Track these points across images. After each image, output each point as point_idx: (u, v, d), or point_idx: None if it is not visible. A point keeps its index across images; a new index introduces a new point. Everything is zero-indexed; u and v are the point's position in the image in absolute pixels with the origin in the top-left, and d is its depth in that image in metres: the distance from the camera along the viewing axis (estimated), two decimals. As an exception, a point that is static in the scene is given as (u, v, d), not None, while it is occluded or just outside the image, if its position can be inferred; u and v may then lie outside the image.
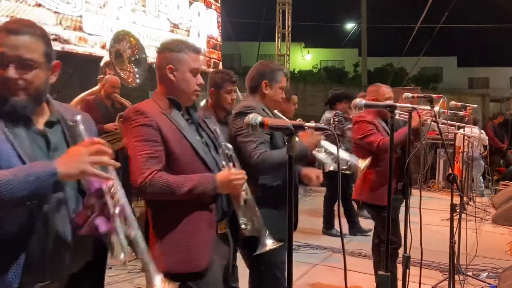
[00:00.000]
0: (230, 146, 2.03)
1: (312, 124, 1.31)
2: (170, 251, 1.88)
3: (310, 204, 7.64)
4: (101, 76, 4.66)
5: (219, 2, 9.06)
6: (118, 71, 4.55)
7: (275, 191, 2.40)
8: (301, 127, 1.32)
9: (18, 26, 1.46)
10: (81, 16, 5.89)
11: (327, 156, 2.54)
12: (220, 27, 9.09)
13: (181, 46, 2.02)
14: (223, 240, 2.07)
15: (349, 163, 2.75)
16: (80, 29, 5.88)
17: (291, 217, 1.37)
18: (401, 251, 2.75)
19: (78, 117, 1.48)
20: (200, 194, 1.86)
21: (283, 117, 2.72)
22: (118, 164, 1.39)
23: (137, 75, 4.80)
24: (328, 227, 5.80)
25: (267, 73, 2.53)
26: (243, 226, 1.97)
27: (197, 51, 2.05)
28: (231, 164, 1.99)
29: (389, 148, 1.94)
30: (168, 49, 2.03)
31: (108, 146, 1.41)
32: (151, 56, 7.12)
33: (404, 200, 3.05)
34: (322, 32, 29.13)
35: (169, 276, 1.74)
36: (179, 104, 2.02)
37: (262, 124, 1.37)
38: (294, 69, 21.39)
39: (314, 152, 2.40)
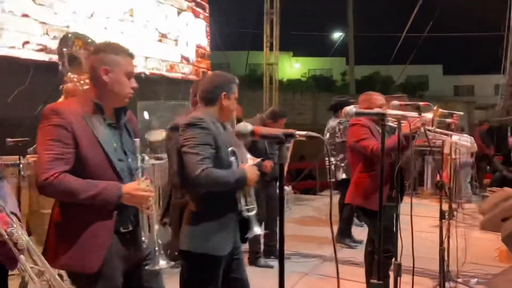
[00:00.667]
0: (146, 158, 2.05)
1: (303, 132, 1.31)
2: (66, 250, 1.93)
3: (299, 212, 7.63)
4: (64, 85, 4.46)
5: (207, 11, 9.08)
6: (71, 76, 4.29)
7: (215, 205, 2.37)
8: (291, 136, 1.32)
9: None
10: (68, 26, 5.85)
11: None
12: (209, 37, 9.10)
13: (116, 49, 2.05)
14: (126, 243, 2.07)
15: None
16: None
17: (283, 227, 1.36)
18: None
19: None
20: (102, 202, 1.90)
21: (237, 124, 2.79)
22: None
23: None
24: (342, 236, 5.68)
25: (225, 84, 2.51)
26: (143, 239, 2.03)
27: (131, 55, 2.09)
28: (143, 177, 2.00)
29: (382, 154, 1.95)
30: (103, 51, 2.05)
31: None
32: (139, 66, 7.12)
33: (399, 206, 3.05)
34: (310, 41, 29.38)
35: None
36: (102, 109, 2.03)
37: (252, 133, 1.37)
38: (283, 78, 21.48)
39: None
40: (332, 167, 5.70)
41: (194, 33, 8.45)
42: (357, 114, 2.09)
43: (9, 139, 3.72)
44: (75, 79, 4.11)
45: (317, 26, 27.94)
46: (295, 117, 17.81)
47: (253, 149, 4.46)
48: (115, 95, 2.03)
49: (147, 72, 7.18)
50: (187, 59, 8.28)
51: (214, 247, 2.31)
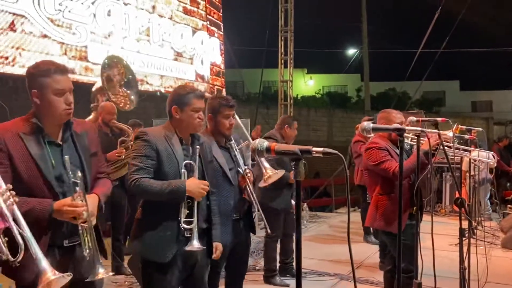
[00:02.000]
0: (79, 174, 2.10)
1: (320, 149, 1.29)
2: None
3: (315, 230, 7.55)
4: (95, 104, 4.63)
5: (222, 30, 9.19)
6: (111, 96, 4.54)
7: (153, 213, 2.49)
8: (308, 152, 1.30)
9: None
10: (86, 46, 5.97)
11: None
12: (223, 55, 9.19)
13: (43, 70, 2.08)
14: (63, 258, 2.13)
15: None
16: (85, 59, 5.95)
17: (300, 244, 1.33)
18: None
19: None
20: (35, 218, 1.95)
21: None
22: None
23: (131, 97, 4.81)
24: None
25: (175, 98, 2.59)
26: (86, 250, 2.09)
27: (60, 72, 2.11)
28: (76, 193, 2.07)
29: (401, 172, 1.92)
30: (31, 74, 2.11)
31: None
32: (155, 84, 7.20)
33: (419, 225, 2.99)
34: (324, 58, 29.47)
35: None
36: (41, 128, 2.09)
37: (268, 149, 1.35)
38: (297, 95, 21.53)
39: None
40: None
41: (209, 52, 8.54)
42: (374, 129, 2.06)
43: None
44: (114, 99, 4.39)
45: (331, 42, 28.00)
46: (310, 134, 17.78)
47: (280, 162, 4.46)
48: (50, 115, 2.09)
49: (163, 90, 7.26)
50: (202, 77, 8.36)
51: (152, 252, 2.44)
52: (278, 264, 4.88)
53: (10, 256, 1.41)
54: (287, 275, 4.86)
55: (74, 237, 2.14)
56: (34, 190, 2.04)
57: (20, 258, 1.40)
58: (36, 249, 1.44)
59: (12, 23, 5.05)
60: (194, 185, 2.46)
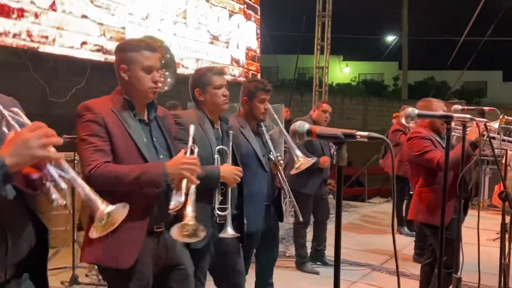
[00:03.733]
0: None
1: (365, 133, 1.22)
2: (101, 244, 1.94)
3: (347, 219, 7.45)
4: None
5: (259, 14, 9.09)
6: None
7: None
8: (352, 136, 1.23)
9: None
10: (124, 28, 6.01)
11: None
12: (259, 39, 9.10)
13: (133, 46, 2.08)
14: (158, 242, 2.09)
15: None
16: (123, 40, 6.00)
17: (339, 229, 1.27)
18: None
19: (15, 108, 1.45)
20: (149, 181, 1.91)
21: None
22: (61, 141, 1.36)
23: (168, 79, 4.81)
24: (420, 254, 5.42)
25: (195, 80, 2.58)
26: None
27: (151, 49, 2.09)
28: (183, 150, 2.07)
29: (447, 163, 1.82)
30: (121, 50, 2.11)
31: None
32: (190, 67, 7.20)
33: (462, 219, 2.88)
34: (361, 45, 28.74)
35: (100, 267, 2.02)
36: (132, 104, 2.07)
37: (309, 132, 1.29)
38: (332, 82, 21.21)
39: None
40: None
41: (245, 36, 8.47)
42: (420, 116, 1.96)
43: (65, 136, 3.86)
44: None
45: (369, 29, 27.25)
46: (344, 122, 17.55)
47: (310, 147, 4.39)
48: (136, 91, 2.07)
49: (198, 74, 7.27)
50: (237, 62, 8.31)
51: None
52: (309, 251, 4.84)
53: (60, 199, 1.35)
54: (318, 263, 4.81)
55: (161, 224, 2.10)
56: (131, 164, 2.00)
57: (68, 201, 1.36)
58: (85, 188, 1.38)
59: (53, 3, 5.12)
60: (229, 171, 2.44)
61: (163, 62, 4.73)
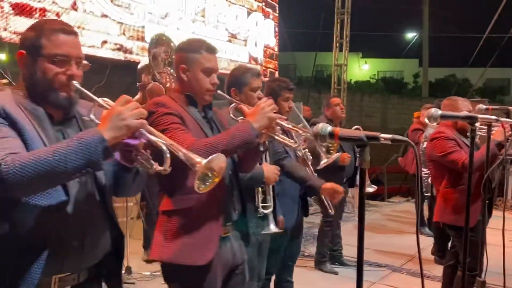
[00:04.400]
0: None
1: (388, 135, 1.18)
2: (176, 240, 1.92)
3: (366, 219, 7.34)
4: (140, 83, 4.64)
5: (277, 12, 9.05)
6: (157, 74, 4.53)
7: None
8: (375, 138, 1.20)
9: (68, 27, 1.52)
10: (143, 27, 6.05)
11: None
12: (277, 37, 9.06)
13: (194, 46, 2.06)
14: (225, 244, 2.06)
15: None
16: (142, 39, 6.03)
17: (362, 229, 1.24)
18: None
19: (92, 114, 1.48)
20: (243, 141, 1.84)
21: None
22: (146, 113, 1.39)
23: (173, 78, 4.79)
24: (441, 256, 5.30)
25: (232, 80, 2.56)
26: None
27: (211, 51, 2.07)
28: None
29: (471, 164, 1.77)
30: (181, 50, 2.10)
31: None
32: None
33: (486, 220, 2.81)
34: (380, 42, 28.42)
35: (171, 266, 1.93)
36: (195, 101, 2.06)
37: (331, 135, 1.27)
38: (350, 80, 21.03)
39: None
40: (429, 180, 5.38)
41: (263, 33, 8.45)
42: (443, 117, 1.91)
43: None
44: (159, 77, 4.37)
45: (389, 25, 26.93)
46: (363, 120, 17.38)
47: None
48: (194, 92, 2.05)
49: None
50: (255, 60, 8.29)
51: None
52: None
53: (158, 166, 1.37)
54: (336, 263, 4.77)
55: (228, 224, 2.07)
56: None
57: (168, 165, 1.33)
58: (181, 149, 1.38)
59: (74, 3, 5.18)
60: (270, 170, 2.48)
61: (169, 60, 4.71)
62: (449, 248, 3.55)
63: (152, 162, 1.39)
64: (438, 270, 3.96)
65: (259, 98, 2.50)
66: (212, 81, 2.05)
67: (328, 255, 4.79)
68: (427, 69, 22.94)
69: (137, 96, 4.65)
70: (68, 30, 1.49)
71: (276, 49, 9.00)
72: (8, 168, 1.22)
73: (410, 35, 26.91)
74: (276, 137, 1.98)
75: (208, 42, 2.12)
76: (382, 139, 1.19)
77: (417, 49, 24.77)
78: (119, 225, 1.63)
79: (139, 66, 4.81)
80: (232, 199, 2.07)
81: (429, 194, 5.23)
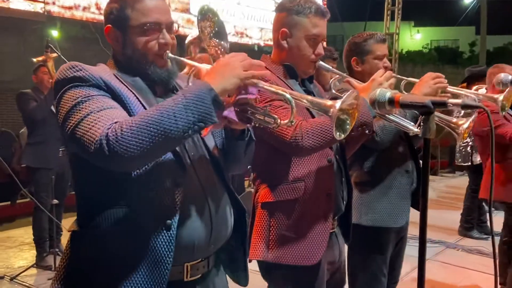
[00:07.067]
0: None
1: (458, 100, 1.04)
2: (281, 238, 1.69)
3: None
4: (188, 56, 4.61)
5: (325, -21, 8.73)
6: (206, 47, 4.47)
7: None
8: (442, 104, 1.07)
9: None
10: (188, -2, 5.98)
11: None
12: (325, 5, 8.76)
13: (300, 6, 1.71)
14: (332, 241, 1.83)
15: None
16: (187, 11, 5.98)
17: (426, 207, 1.12)
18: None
19: (190, 83, 1.34)
20: (362, 122, 1.60)
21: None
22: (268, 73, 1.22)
23: (224, 45, 4.70)
24: (468, 228, 4.98)
25: (353, 48, 2.21)
26: None
27: (321, 13, 1.72)
28: None
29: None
30: (284, 9, 1.75)
31: None
32: (254, 37, 7.07)
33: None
34: (434, 9, 26.97)
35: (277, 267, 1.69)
36: (295, 73, 1.77)
37: (391, 101, 1.13)
38: (402, 50, 20.20)
39: None
40: (468, 149, 5.12)
41: (310, 2, 8.18)
42: (513, 82, 1.71)
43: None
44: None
45: (443, -8, 25.51)
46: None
47: None
48: (296, 64, 1.77)
49: (262, 44, 7.13)
50: (302, 30, 8.07)
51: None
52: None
53: (278, 120, 1.20)
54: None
55: (335, 219, 1.84)
56: None
57: (294, 116, 1.15)
58: (306, 97, 1.23)
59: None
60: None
61: (215, 31, 4.61)
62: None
63: (274, 115, 1.22)
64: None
65: (386, 68, 2.14)
66: (317, 52, 1.74)
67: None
68: (485, 37, 21.62)
69: (185, 70, 4.63)
70: None
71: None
72: (116, 134, 1.07)
73: (467, 1, 25.37)
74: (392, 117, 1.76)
75: (319, 3, 1.78)
76: (451, 105, 1.05)
77: (474, 16, 23.36)
78: (239, 200, 1.43)
79: (187, 40, 4.78)
80: (342, 188, 1.81)
81: (468, 163, 5.02)
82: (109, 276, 1.19)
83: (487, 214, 5.21)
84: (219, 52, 4.43)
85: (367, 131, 1.65)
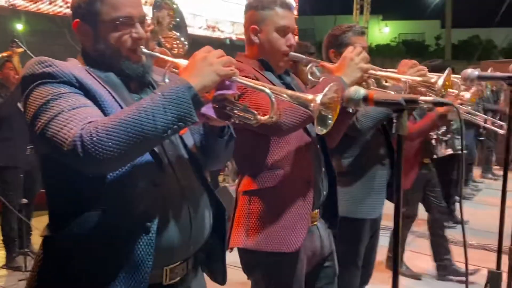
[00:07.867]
0: None
1: (429, 98, 1.08)
2: (263, 226, 1.70)
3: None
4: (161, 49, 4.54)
5: (296, -27, 8.75)
6: (162, 40, 4.40)
7: None
8: (414, 102, 1.11)
9: None
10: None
11: None
12: (297, 0, 8.80)
13: (266, 2, 1.77)
14: (313, 233, 1.83)
15: None
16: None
17: (400, 200, 1.16)
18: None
19: (166, 78, 1.27)
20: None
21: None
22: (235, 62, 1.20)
23: (182, 40, 4.64)
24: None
25: (332, 41, 2.24)
26: None
27: (286, 6, 1.79)
28: None
29: (510, 128, 1.66)
30: (251, 7, 1.82)
31: None
32: (226, 31, 7.06)
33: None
34: (401, 3, 27.49)
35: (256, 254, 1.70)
36: (270, 67, 1.80)
37: (365, 99, 1.16)
38: (371, 43, 20.51)
39: None
40: (433, 142, 5.23)
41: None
42: (480, 78, 1.77)
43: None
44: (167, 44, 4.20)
45: (410, -14, 26.00)
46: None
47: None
48: (269, 58, 1.80)
49: (234, 37, 7.12)
50: (274, 24, 8.08)
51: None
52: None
53: (258, 116, 1.19)
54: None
55: (316, 210, 1.83)
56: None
57: (274, 111, 1.14)
58: (285, 91, 1.21)
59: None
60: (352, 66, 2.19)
61: (173, 24, 4.55)
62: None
63: (253, 111, 1.20)
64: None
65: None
66: (288, 43, 1.78)
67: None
68: (450, 30, 22.21)
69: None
70: None
71: (295, 12, 8.73)
72: (91, 135, 1.03)
73: (432, -5, 25.97)
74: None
75: None
76: (422, 103, 1.09)
77: (439, 9, 23.92)
78: (219, 198, 1.41)
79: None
80: (321, 176, 1.82)
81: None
82: (86, 283, 1.15)
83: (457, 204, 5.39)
84: (175, 46, 4.30)
85: (350, 110, 1.69)
